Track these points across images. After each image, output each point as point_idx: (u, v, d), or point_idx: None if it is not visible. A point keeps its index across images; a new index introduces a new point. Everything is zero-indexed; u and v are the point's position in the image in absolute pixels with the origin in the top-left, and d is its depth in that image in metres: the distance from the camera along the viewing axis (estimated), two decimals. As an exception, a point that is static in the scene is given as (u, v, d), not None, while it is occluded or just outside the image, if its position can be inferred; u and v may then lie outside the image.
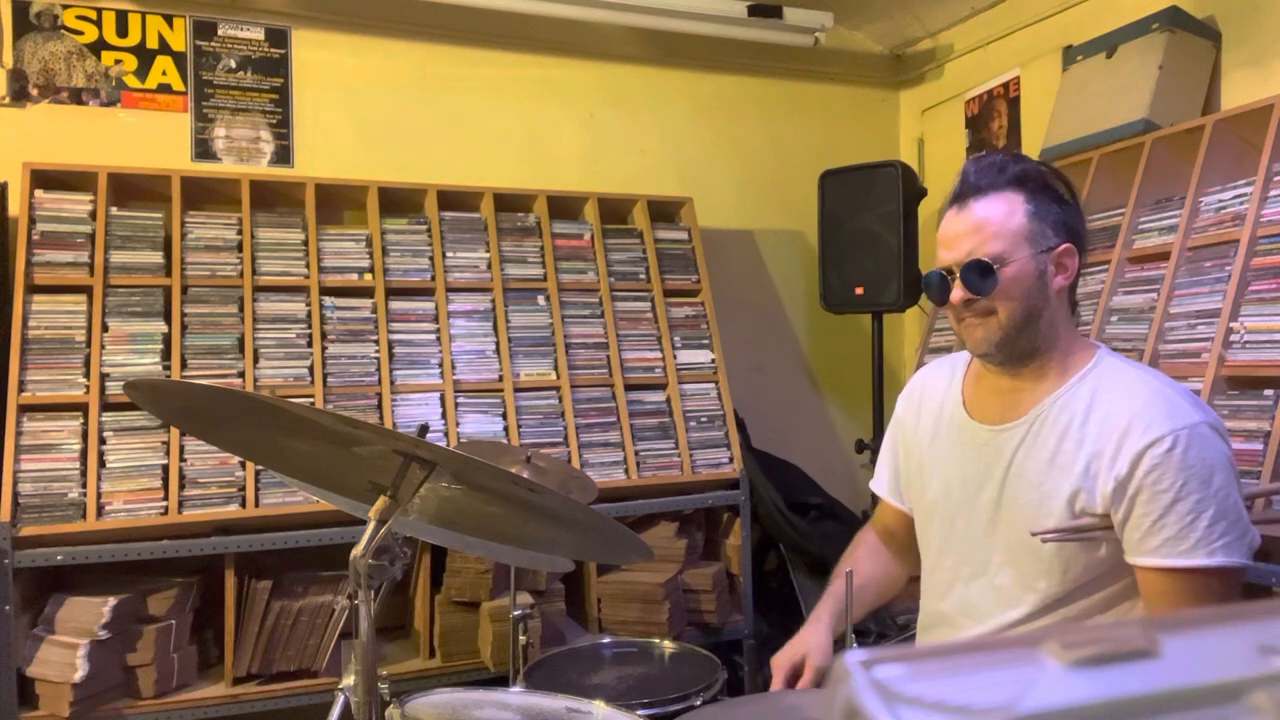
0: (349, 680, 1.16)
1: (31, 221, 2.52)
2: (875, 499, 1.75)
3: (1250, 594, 1.93)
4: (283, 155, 3.10)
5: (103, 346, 2.49)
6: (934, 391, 1.56)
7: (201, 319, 2.62)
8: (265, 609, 2.46)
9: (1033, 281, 1.33)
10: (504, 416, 2.82)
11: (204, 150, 3.01)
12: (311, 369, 2.66)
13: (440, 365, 2.81)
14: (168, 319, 2.57)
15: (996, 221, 1.34)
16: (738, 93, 3.73)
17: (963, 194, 1.38)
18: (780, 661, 1.51)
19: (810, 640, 1.52)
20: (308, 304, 2.72)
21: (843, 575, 1.63)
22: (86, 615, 2.29)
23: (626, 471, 2.89)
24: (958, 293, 1.35)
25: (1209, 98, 2.63)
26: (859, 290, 3.22)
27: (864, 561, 1.68)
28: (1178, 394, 1.28)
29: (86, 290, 2.53)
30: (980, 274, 1.33)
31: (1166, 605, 1.25)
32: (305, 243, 2.78)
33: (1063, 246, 1.35)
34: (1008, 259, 1.32)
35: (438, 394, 2.78)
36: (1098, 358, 1.37)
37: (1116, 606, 1.33)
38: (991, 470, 1.40)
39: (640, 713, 1.59)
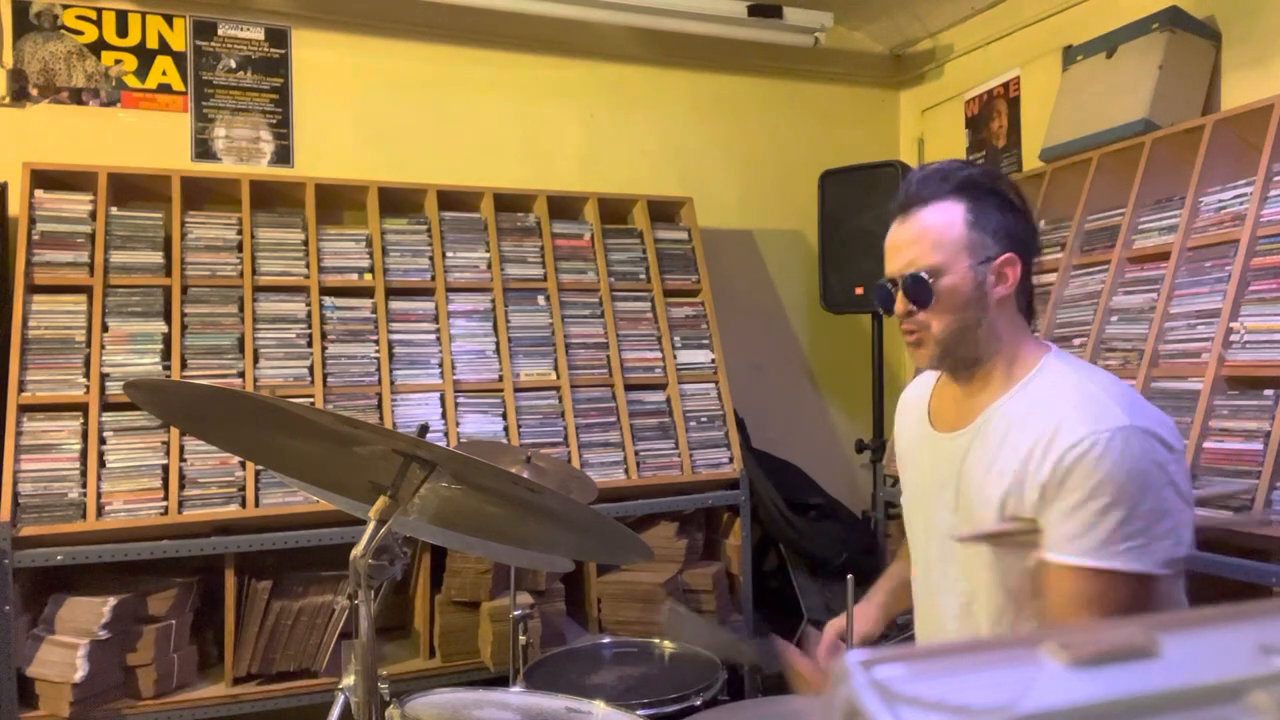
0: (349, 680, 1.16)
1: (31, 221, 2.52)
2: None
3: (1250, 594, 1.93)
4: (283, 155, 3.10)
5: (103, 346, 2.49)
6: (911, 403, 1.60)
7: (201, 319, 2.62)
8: (265, 609, 2.46)
9: (970, 293, 1.33)
10: (504, 416, 2.82)
11: (204, 150, 3.01)
12: (311, 369, 2.66)
13: (440, 365, 2.81)
14: (168, 319, 2.57)
15: (935, 232, 1.34)
16: (738, 93, 3.73)
17: (906, 204, 1.39)
18: (830, 626, 1.60)
19: (861, 611, 1.59)
20: (308, 304, 2.72)
21: (899, 558, 1.70)
22: (86, 615, 2.29)
23: (626, 471, 2.89)
24: (900, 304, 1.37)
25: (1209, 98, 2.63)
26: (859, 290, 3.22)
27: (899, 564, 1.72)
28: (1112, 397, 1.26)
29: (86, 290, 2.53)
30: (918, 286, 1.34)
31: (1063, 603, 1.23)
32: (305, 243, 2.78)
33: (1003, 256, 1.34)
34: (945, 270, 1.32)
35: (438, 394, 2.78)
36: (1043, 363, 1.35)
37: None
38: (948, 478, 1.40)
39: (640, 713, 1.59)
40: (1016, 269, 1.35)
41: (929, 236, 1.34)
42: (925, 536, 1.48)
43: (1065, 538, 1.22)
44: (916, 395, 1.58)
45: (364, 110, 3.19)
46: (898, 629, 3.11)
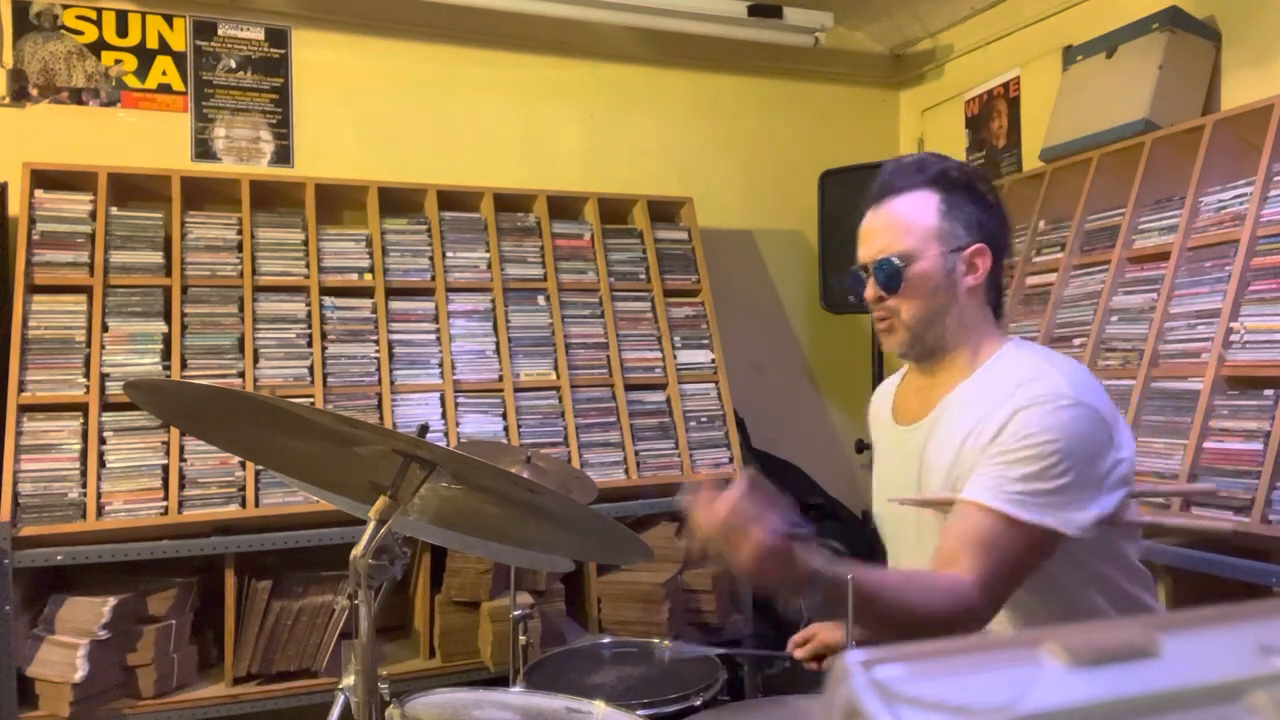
0: (349, 680, 1.16)
1: (31, 221, 2.52)
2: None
3: (1250, 594, 1.93)
4: (283, 155, 3.10)
5: (103, 346, 2.49)
6: (879, 403, 1.62)
7: (201, 319, 2.62)
8: (265, 609, 2.46)
9: (940, 279, 1.35)
10: (504, 416, 2.82)
11: (204, 150, 3.01)
12: (311, 369, 2.66)
13: (440, 365, 2.81)
14: (168, 319, 2.57)
15: (907, 219, 1.36)
16: (738, 93, 3.73)
17: (881, 192, 1.41)
18: (810, 629, 1.64)
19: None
20: (308, 304, 2.72)
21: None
22: (86, 615, 2.29)
23: (626, 471, 2.89)
24: (870, 289, 1.39)
25: (1209, 98, 2.63)
26: (859, 290, 3.22)
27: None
28: (1066, 377, 1.27)
29: (86, 290, 2.53)
30: (889, 271, 1.35)
31: (954, 537, 1.24)
32: (305, 243, 2.78)
33: (974, 246, 1.36)
34: (916, 256, 1.34)
35: (438, 394, 2.78)
36: (1003, 350, 1.38)
37: (1054, 607, 1.31)
38: (910, 469, 1.41)
39: (640, 713, 1.59)
40: (987, 259, 1.37)
41: (901, 223, 1.36)
42: (896, 534, 1.49)
43: (977, 478, 1.25)
44: (882, 396, 1.61)
45: (364, 110, 3.19)
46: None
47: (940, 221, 1.35)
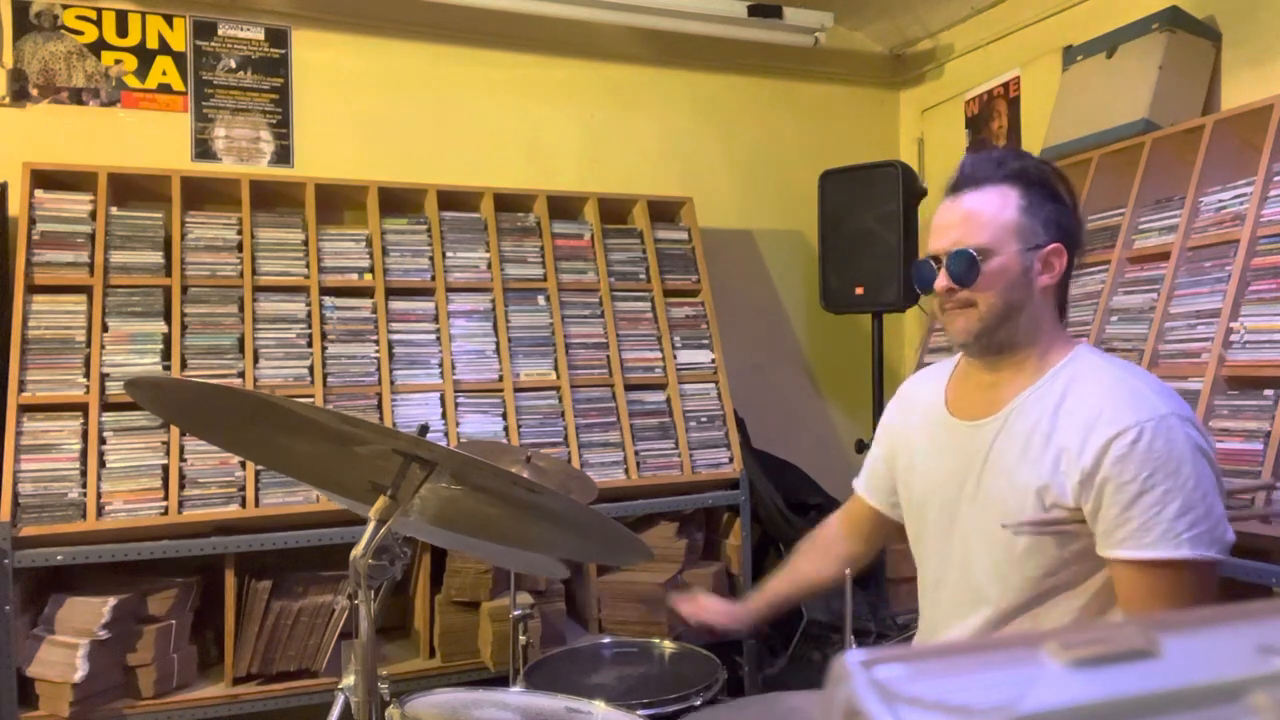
0: (349, 680, 1.16)
1: (31, 221, 2.52)
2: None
3: (1250, 594, 1.93)
4: (283, 155, 3.10)
5: (103, 346, 2.49)
6: (921, 395, 1.58)
7: (201, 319, 2.62)
8: (265, 609, 2.46)
9: (1016, 276, 1.34)
10: (504, 416, 2.82)
11: (204, 150, 3.01)
12: (311, 369, 2.66)
13: (440, 365, 2.81)
14: (168, 319, 2.57)
15: (987, 214, 1.35)
16: (738, 93, 3.73)
17: (958, 184, 1.39)
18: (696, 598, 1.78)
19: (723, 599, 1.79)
20: (308, 304, 2.72)
21: (806, 555, 1.80)
22: (86, 615, 2.29)
23: (626, 471, 2.89)
24: (942, 280, 1.37)
25: (1209, 98, 2.63)
26: (859, 290, 3.21)
27: (804, 558, 1.80)
28: (1147, 387, 1.28)
29: (86, 290, 2.53)
30: (965, 264, 1.34)
31: (1137, 598, 1.23)
32: (305, 243, 2.78)
33: (1051, 245, 1.35)
34: (994, 251, 1.33)
35: (438, 394, 2.78)
36: (1075, 353, 1.37)
37: (1093, 605, 1.32)
38: (970, 465, 1.40)
39: (640, 713, 1.59)
40: (1063, 260, 1.37)
41: (981, 217, 1.35)
42: (942, 528, 1.46)
43: (1129, 533, 1.22)
44: (928, 385, 1.57)
45: (364, 110, 3.19)
46: (898, 629, 3.10)
47: (1020, 218, 1.34)
